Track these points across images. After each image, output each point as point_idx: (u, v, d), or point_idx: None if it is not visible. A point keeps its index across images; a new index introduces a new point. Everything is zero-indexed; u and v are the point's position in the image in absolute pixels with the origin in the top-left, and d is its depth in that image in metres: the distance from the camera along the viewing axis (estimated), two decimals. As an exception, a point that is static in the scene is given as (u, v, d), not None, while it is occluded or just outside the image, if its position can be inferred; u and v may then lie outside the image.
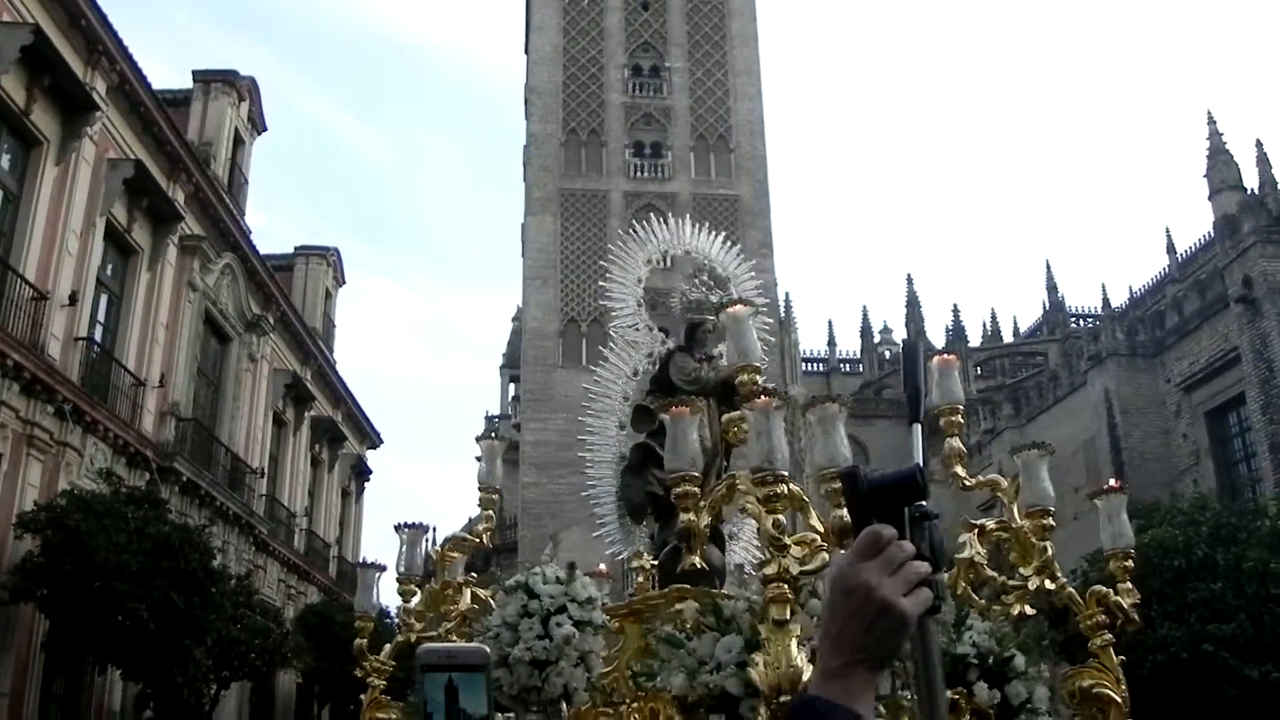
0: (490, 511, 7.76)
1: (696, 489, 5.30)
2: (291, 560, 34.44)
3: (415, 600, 7.83)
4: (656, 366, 8.47)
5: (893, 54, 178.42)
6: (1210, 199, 34.50)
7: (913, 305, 74.90)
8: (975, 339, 69.40)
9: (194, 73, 31.37)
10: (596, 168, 55.79)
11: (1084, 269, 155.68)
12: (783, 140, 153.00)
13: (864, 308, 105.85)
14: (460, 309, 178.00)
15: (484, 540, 7.67)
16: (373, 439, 46.96)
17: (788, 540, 4.74)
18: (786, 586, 4.63)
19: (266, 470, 33.09)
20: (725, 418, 6.08)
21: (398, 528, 7.84)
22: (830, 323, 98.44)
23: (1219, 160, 34.69)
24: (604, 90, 57.10)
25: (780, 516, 4.77)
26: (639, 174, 55.87)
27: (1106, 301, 49.89)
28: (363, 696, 7.58)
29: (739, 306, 5.88)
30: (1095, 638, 6.46)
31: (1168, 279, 48.98)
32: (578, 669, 6.25)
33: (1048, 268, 73.03)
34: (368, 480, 46.96)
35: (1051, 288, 72.37)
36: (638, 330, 8.69)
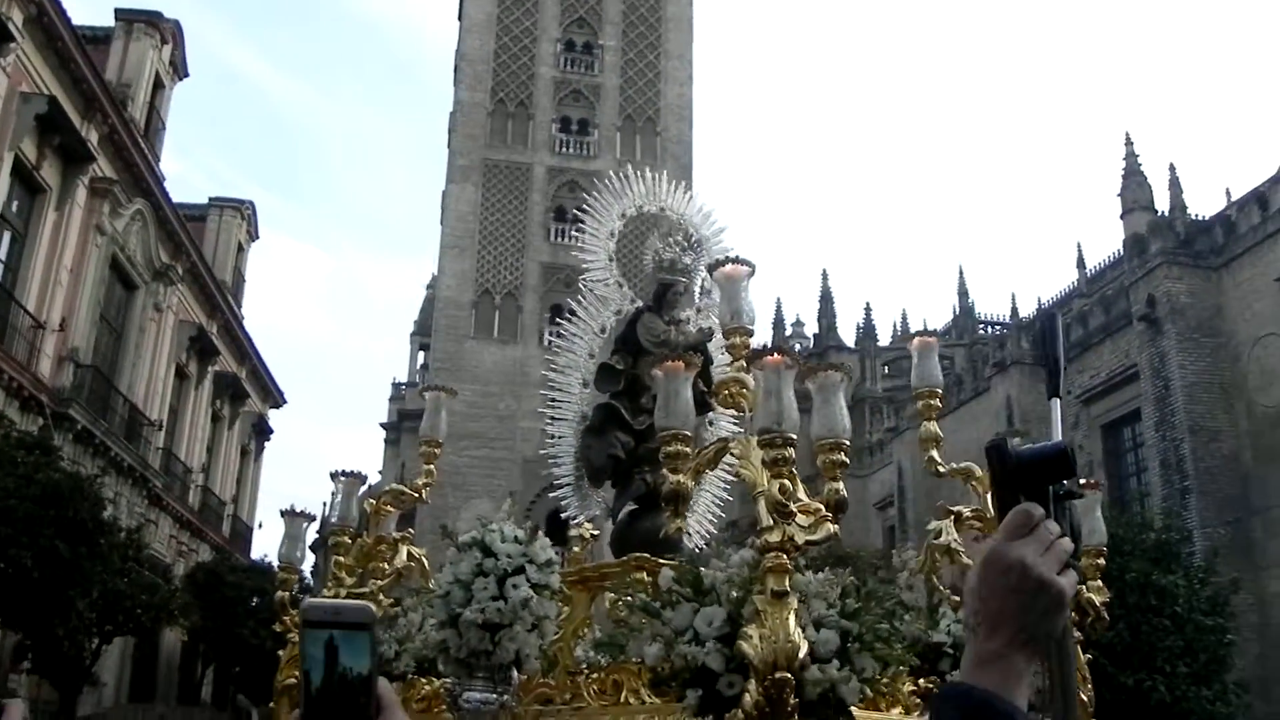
0: (431, 466, 7.45)
1: (688, 449, 5.09)
2: (185, 516, 33.94)
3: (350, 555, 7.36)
4: (624, 325, 8.19)
5: (823, 53, 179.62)
6: (1122, 218, 35.21)
7: (826, 300, 75.43)
8: (885, 339, 70.06)
9: (116, 11, 30.55)
10: (522, 140, 55.47)
11: (997, 278, 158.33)
12: (710, 127, 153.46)
13: (778, 300, 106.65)
14: (374, 273, 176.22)
15: (422, 495, 7.37)
16: (276, 398, 46.39)
17: (794, 506, 4.51)
18: (785, 556, 4.42)
19: (165, 423, 32.51)
20: (718, 380, 5.61)
21: (333, 475, 7.43)
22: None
23: (1133, 181, 35.40)
24: (535, 63, 56.75)
25: (787, 481, 4.54)
26: (564, 150, 55.66)
27: (1015, 310, 50.77)
28: (281, 653, 7.16)
29: (736, 265, 5.60)
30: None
31: (1075, 293, 49.91)
32: (532, 634, 5.94)
33: (960, 274, 74.38)
34: (268, 440, 46.40)
35: (963, 293, 73.36)
36: (608, 285, 8.35)
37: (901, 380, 65.24)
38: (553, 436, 8.30)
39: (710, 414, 7.88)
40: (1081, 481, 7.05)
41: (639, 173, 8.50)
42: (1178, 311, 31.40)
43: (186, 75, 34.05)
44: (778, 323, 78.07)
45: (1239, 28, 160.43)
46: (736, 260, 5.63)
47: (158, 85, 31.72)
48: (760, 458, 4.68)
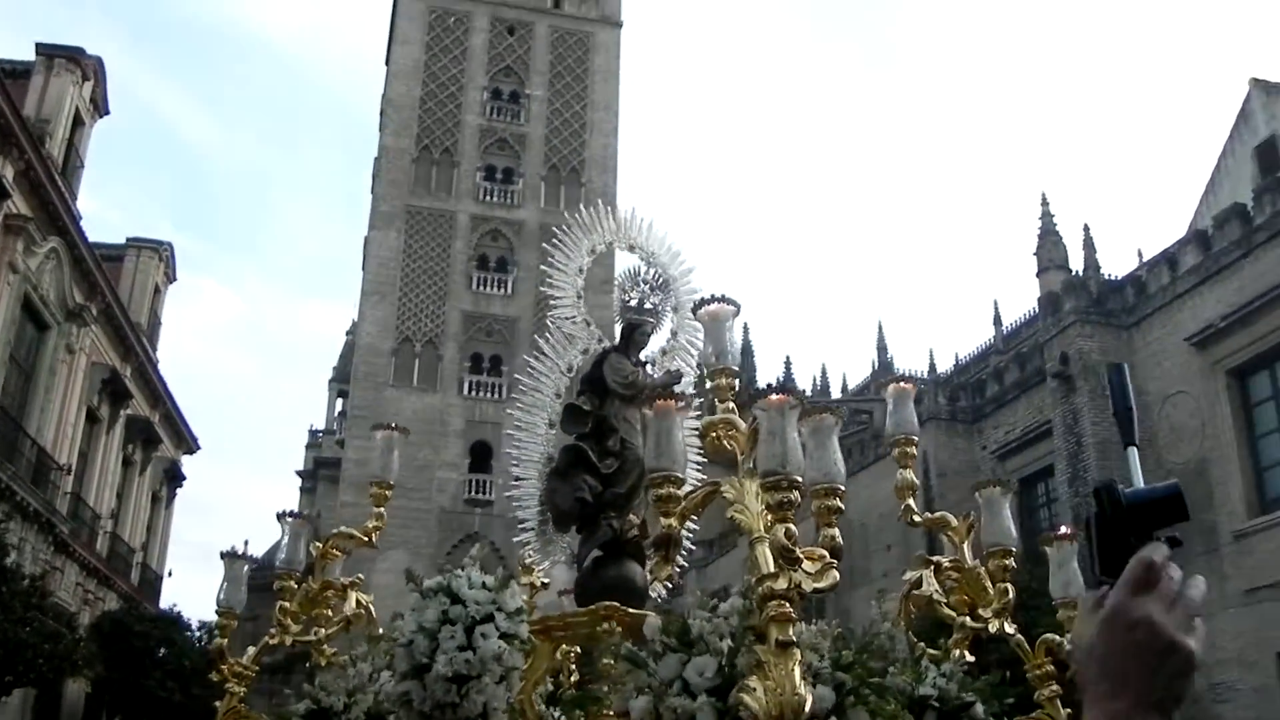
0: (381, 509, 7.15)
1: (680, 491, 4.87)
2: (92, 564, 33.06)
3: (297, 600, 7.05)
4: (590, 365, 7.86)
5: (749, 106, 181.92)
6: (1038, 276, 35.90)
7: (747, 354, 76.01)
8: (805, 391, 70.66)
9: (37, 45, 30.06)
10: (446, 187, 55.42)
11: (916, 333, 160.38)
12: (635, 178, 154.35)
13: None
14: (295, 317, 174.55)
15: (371, 540, 7.07)
16: (189, 443, 45.53)
17: (800, 553, 4.31)
18: (789, 605, 4.20)
19: (74, 467, 31.74)
20: (705, 421, 5.45)
21: (280, 515, 7.16)
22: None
23: (1049, 240, 36.12)
24: (461, 110, 56.83)
25: (792, 526, 4.35)
26: (488, 198, 55.69)
27: (933, 366, 51.45)
28: (218, 704, 6.82)
29: (721, 304, 5.42)
30: (1043, 688, 6.29)
31: (992, 349, 50.71)
32: (500, 686, 5.63)
33: (879, 329, 75.09)
34: (180, 486, 45.49)
35: (882, 348, 74.28)
36: (575, 323, 7.99)
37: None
38: (517, 479, 7.94)
39: None
40: (1064, 530, 6.87)
41: (609, 208, 8.32)
42: (1090, 369, 31.95)
43: (108, 113, 33.61)
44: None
45: (1155, 92, 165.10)
46: (721, 299, 5.47)
47: (77, 122, 31.25)
48: (764, 501, 4.53)
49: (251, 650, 6.96)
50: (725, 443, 5.14)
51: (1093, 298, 32.59)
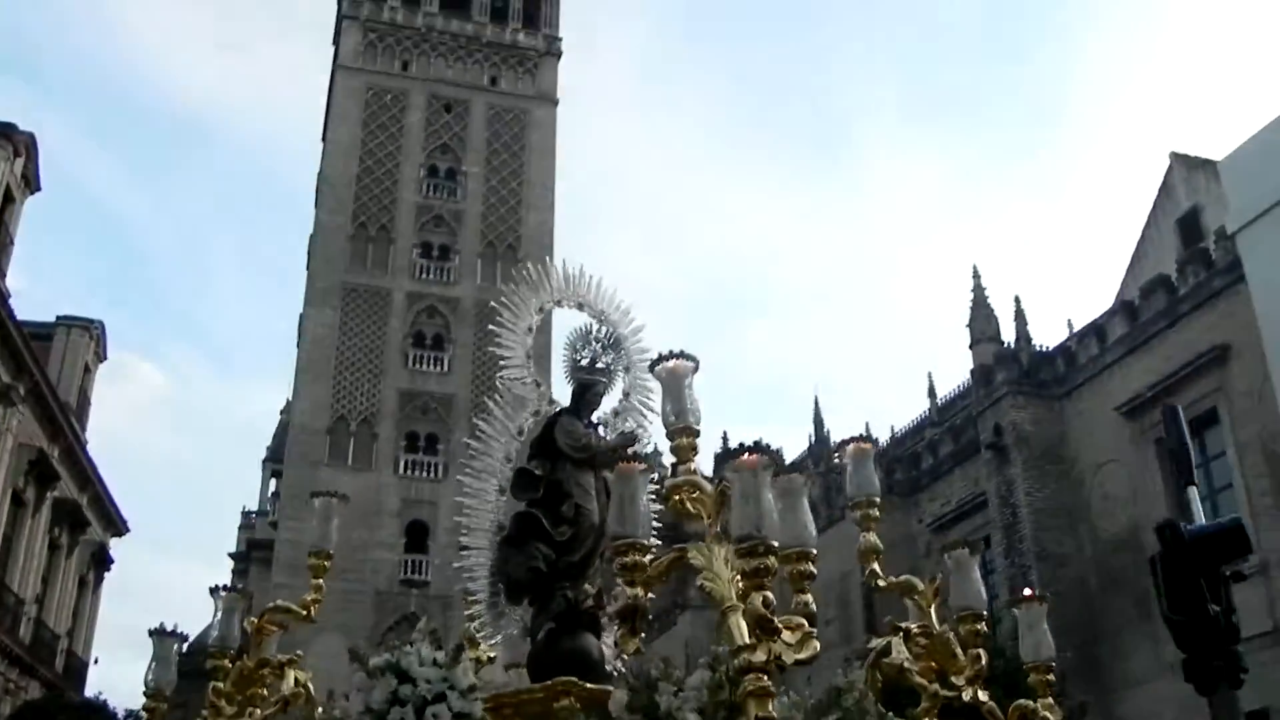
0: (320, 581, 6.80)
1: (645, 559, 4.64)
2: (14, 651, 32.18)
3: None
4: (540, 428, 7.55)
5: (683, 180, 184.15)
6: (971, 348, 36.30)
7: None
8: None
9: (-37, 124, 29.89)
10: (382, 265, 55.28)
11: (852, 406, 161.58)
12: (572, 254, 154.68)
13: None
14: (228, 397, 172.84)
15: (310, 614, 6.71)
16: (118, 526, 44.60)
17: (778, 622, 4.11)
18: (767, 678, 4.02)
19: (-2, 551, 31.01)
20: (669, 483, 5.07)
21: (213, 590, 6.75)
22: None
23: (980, 313, 36.62)
24: (398, 187, 56.90)
25: (769, 594, 4.13)
26: (425, 275, 55.60)
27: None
28: None
29: (680, 361, 5.22)
30: None
31: (926, 422, 51.03)
32: None
33: (815, 402, 75.26)
34: (108, 570, 44.50)
35: (818, 421, 74.44)
36: (525, 384, 7.71)
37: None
38: (465, 548, 7.56)
39: None
40: (1027, 592, 6.76)
41: (559, 265, 8.03)
42: (1023, 440, 32.31)
43: (39, 189, 33.29)
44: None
45: (1081, 164, 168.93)
46: (680, 355, 5.28)
47: (8, 198, 30.92)
48: (736, 568, 4.35)
49: None
50: (690, 506, 4.95)
51: (1024, 369, 33.04)
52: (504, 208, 57.99)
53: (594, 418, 7.52)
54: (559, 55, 62.82)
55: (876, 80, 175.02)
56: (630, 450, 7.30)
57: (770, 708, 3.99)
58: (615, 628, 7.21)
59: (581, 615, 6.74)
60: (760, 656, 4.06)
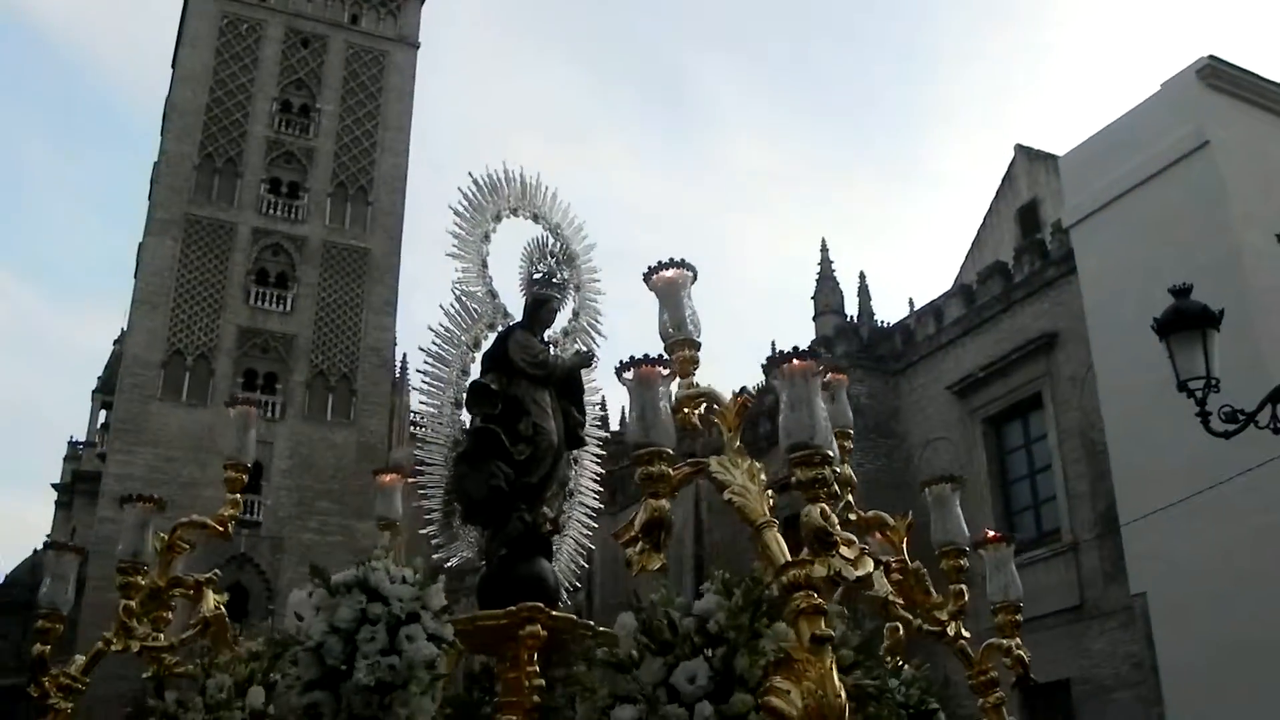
0: (238, 495, 6.45)
1: (669, 469, 4.30)
2: None
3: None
4: (495, 343, 7.06)
5: (543, 130, 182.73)
6: (814, 320, 37.03)
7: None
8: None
9: None
10: (228, 198, 53.85)
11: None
12: (425, 201, 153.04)
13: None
14: (56, 323, 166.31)
15: (227, 529, 6.33)
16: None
17: (839, 535, 3.82)
18: (817, 595, 3.69)
19: None
20: (680, 394, 4.68)
21: (123, 500, 6.36)
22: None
23: (826, 286, 37.34)
24: (249, 120, 55.38)
25: (826, 506, 3.84)
26: (272, 211, 54.34)
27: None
28: None
29: (678, 271, 4.87)
30: (988, 696, 6.05)
31: (768, 390, 51.96)
32: (425, 698, 4.80)
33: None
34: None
35: (662, 383, 75.26)
36: (479, 296, 7.16)
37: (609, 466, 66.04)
38: (421, 464, 7.05)
39: (574, 451, 7.14)
40: (990, 534, 6.63)
41: (516, 170, 7.46)
42: (859, 412, 32.78)
43: None
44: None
45: (930, 151, 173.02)
46: (680, 264, 4.94)
47: None
48: (758, 480, 4.14)
49: (80, 659, 6.07)
50: (695, 420, 4.67)
51: (863, 343, 33.84)
52: (357, 149, 56.94)
53: (544, 336, 7.16)
54: (422, -1, 61.84)
55: (733, 49, 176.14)
56: (587, 365, 7.11)
57: (825, 626, 3.69)
58: (564, 552, 7.04)
59: (539, 540, 6.44)
60: (820, 571, 3.76)
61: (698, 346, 4.80)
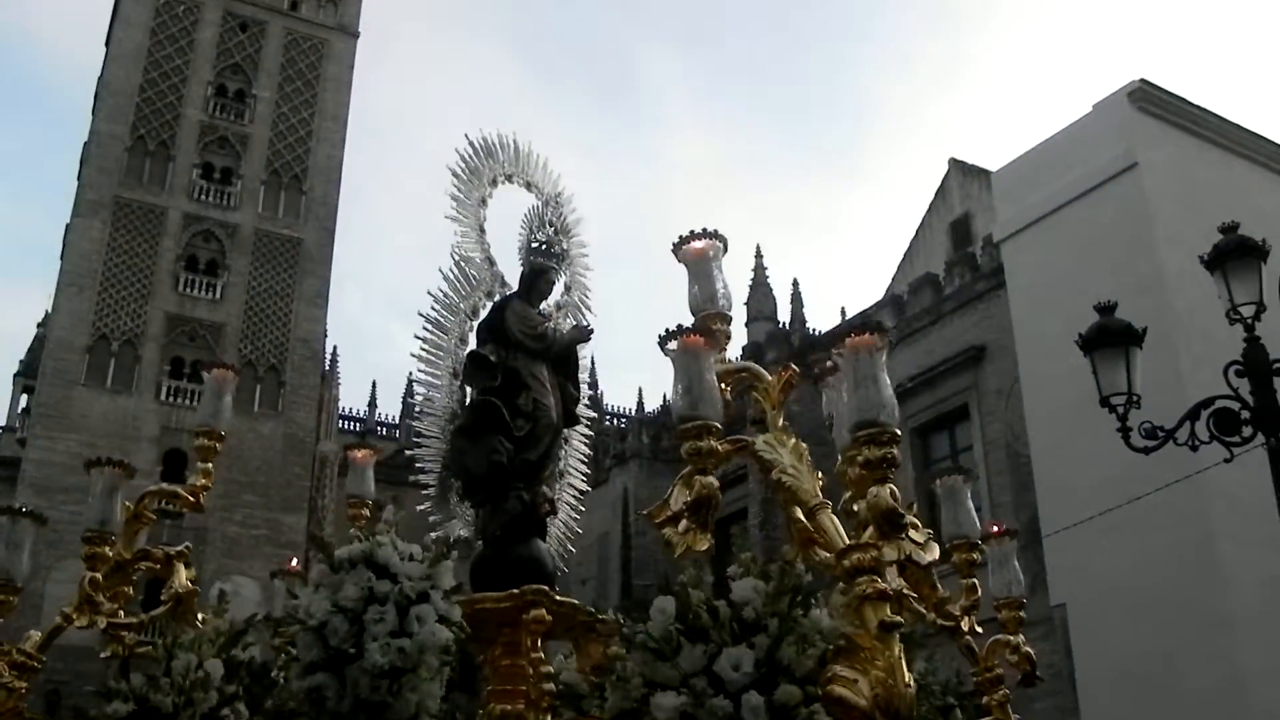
0: (210, 465, 6.01)
1: (715, 444, 4.08)
2: None
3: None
4: (491, 312, 6.81)
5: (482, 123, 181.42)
6: (746, 325, 37.30)
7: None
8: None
9: None
10: (159, 182, 53.02)
11: (626, 373, 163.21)
12: (361, 192, 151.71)
13: (409, 375, 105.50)
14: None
15: (199, 501, 5.97)
16: None
17: (911, 517, 3.65)
18: (880, 580, 3.51)
19: None
20: (719, 369, 4.37)
21: (89, 463, 5.93)
22: (375, 384, 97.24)
23: (759, 292, 37.66)
24: (183, 103, 54.57)
25: (894, 487, 3.64)
26: (204, 197, 53.56)
27: (641, 405, 52.51)
28: None
29: (709, 241, 4.66)
30: (993, 694, 5.89)
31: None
32: (434, 683, 4.51)
33: (592, 364, 75.93)
34: None
35: (592, 384, 75.06)
36: (477, 261, 6.88)
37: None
38: (419, 435, 6.80)
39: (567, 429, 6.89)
40: (995, 528, 6.47)
41: (510, 136, 7.19)
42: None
43: None
44: (406, 398, 77.47)
45: (865, 162, 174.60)
46: (712, 234, 4.71)
47: None
48: (858, 458, 3.86)
49: (35, 634, 5.65)
50: (728, 395, 4.47)
51: (794, 350, 34.13)
52: (293, 137, 56.34)
53: (540, 309, 6.87)
54: (365, -13, 61.35)
55: (673, 51, 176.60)
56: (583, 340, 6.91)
57: (890, 612, 3.49)
58: (552, 535, 6.72)
59: (537, 521, 6.23)
60: (892, 555, 3.60)
61: (729, 320, 4.62)
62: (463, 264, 6.85)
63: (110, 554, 5.58)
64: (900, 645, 3.49)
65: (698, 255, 4.66)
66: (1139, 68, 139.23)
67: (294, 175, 55.53)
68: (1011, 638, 6.02)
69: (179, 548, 5.92)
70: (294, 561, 7.70)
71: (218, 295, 52.19)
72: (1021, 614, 6.17)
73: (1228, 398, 10.12)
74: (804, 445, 4.33)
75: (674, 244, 4.76)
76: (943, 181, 37.27)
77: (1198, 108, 23.88)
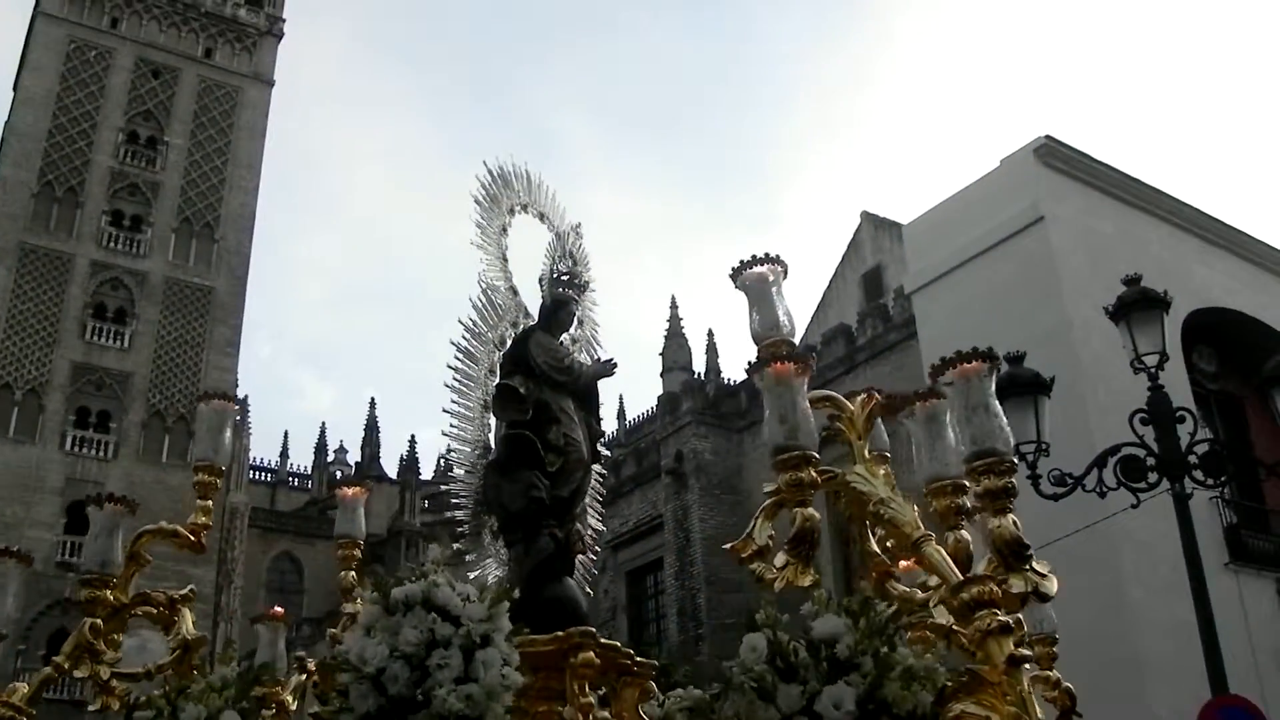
0: (209, 502, 5.64)
1: (813, 475, 3.86)
2: None
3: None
4: (513, 345, 6.58)
5: (397, 172, 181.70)
6: (662, 375, 37.41)
7: (371, 429, 75.14)
8: (427, 472, 70.07)
9: None
10: (67, 228, 52.17)
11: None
12: (274, 243, 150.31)
13: (322, 424, 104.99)
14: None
15: (200, 540, 5.56)
16: None
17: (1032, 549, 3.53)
18: (1000, 613, 3.37)
19: None
20: (815, 394, 4.20)
21: (89, 499, 5.40)
22: (286, 434, 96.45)
23: (674, 342, 37.81)
24: (92, 149, 53.87)
25: (1015, 518, 3.54)
26: (113, 244, 52.81)
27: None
28: None
29: (770, 266, 4.48)
30: None
31: (615, 442, 52.16)
32: None
33: (503, 414, 75.58)
34: None
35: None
36: (501, 292, 6.71)
37: (439, 515, 65.37)
38: (452, 471, 6.59)
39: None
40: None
41: (522, 166, 7.02)
42: (702, 468, 33.52)
43: None
44: (320, 448, 76.65)
45: (781, 216, 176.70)
46: (774, 260, 4.55)
47: None
48: (984, 487, 3.75)
49: (22, 686, 5.15)
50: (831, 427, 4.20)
51: (709, 400, 34.30)
52: (205, 184, 55.80)
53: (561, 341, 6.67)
54: (280, 36, 61.16)
55: (587, 109, 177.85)
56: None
57: (1014, 646, 3.35)
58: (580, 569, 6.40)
59: (568, 559, 6.02)
60: (1019, 587, 3.51)
61: (793, 347, 4.39)
62: (489, 292, 6.69)
63: (111, 598, 5.12)
64: (1028, 680, 3.41)
65: (758, 280, 4.53)
66: (1045, 124, 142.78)
67: (206, 223, 54.96)
68: (1049, 673, 5.82)
69: (183, 591, 5.44)
70: (276, 609, 7.34)
71: (126, 344, 51.32)
72: (1054, 650, 6.05)
73: (1133, 445, 10.39)
74: (893, 475, 4.22)
75: (732, 270, 4.61)
76: (855, 234, 37.79)
77: (1101, 163, 24.48)
